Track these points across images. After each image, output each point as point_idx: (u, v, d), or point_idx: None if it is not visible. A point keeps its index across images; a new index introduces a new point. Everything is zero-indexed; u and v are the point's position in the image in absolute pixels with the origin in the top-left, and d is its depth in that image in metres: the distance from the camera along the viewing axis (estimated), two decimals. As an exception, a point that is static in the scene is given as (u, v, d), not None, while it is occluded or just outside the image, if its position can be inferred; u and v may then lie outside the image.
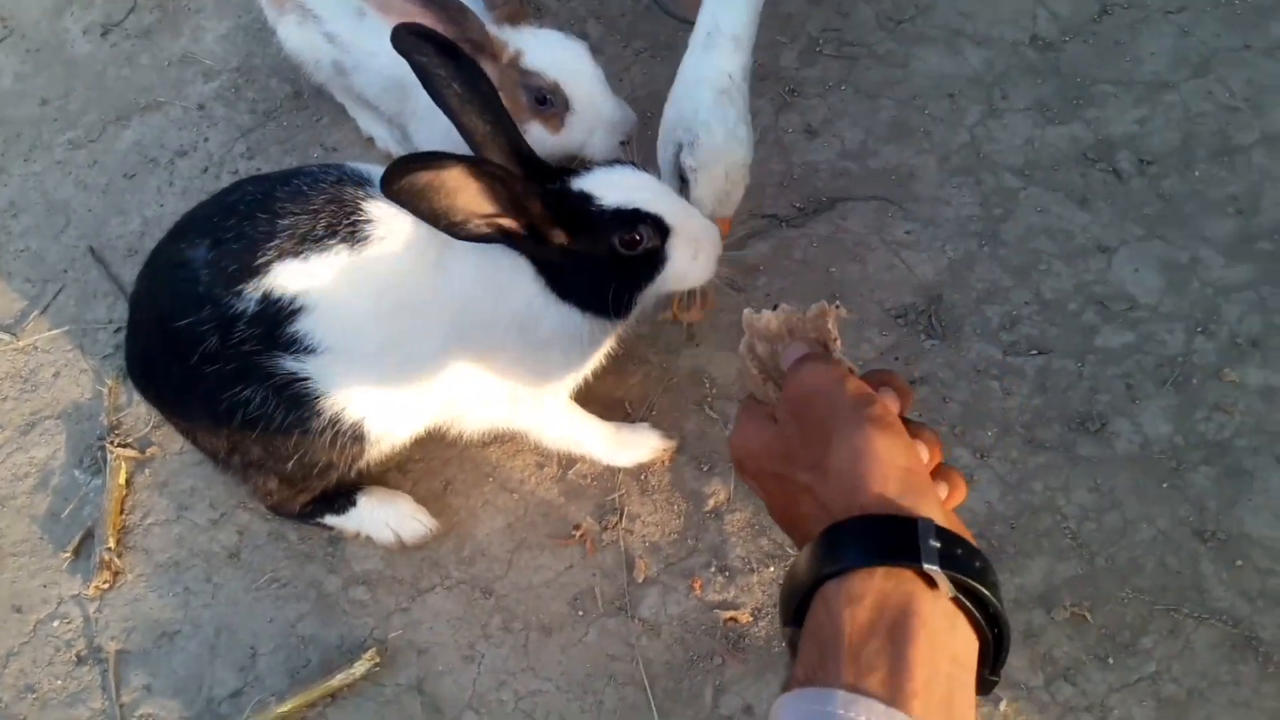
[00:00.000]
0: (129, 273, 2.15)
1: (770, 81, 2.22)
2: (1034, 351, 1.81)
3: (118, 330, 2.07)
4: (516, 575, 1.73)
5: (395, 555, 1.76)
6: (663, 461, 1.79)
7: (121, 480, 1.86)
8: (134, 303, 1.65)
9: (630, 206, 1.41)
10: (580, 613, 1.69)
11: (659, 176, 1.57)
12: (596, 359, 1.63)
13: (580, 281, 1.46)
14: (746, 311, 1.13)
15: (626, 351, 1.82)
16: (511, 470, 1.83)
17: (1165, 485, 1.67)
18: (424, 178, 1.27)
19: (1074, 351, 1.80)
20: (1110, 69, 2.13)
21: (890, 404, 0.98)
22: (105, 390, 1.98)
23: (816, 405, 0.96)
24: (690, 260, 1.46)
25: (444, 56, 1.39)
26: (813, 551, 0.86)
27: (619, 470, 1.80)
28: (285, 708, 1.62)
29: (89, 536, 1.84)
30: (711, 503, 1.76)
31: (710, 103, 1.56)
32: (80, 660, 1.74)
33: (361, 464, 1.65)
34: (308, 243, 1.41)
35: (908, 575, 0.81)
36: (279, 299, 1.42)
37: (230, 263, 1.42)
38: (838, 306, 1.11)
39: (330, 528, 1.77)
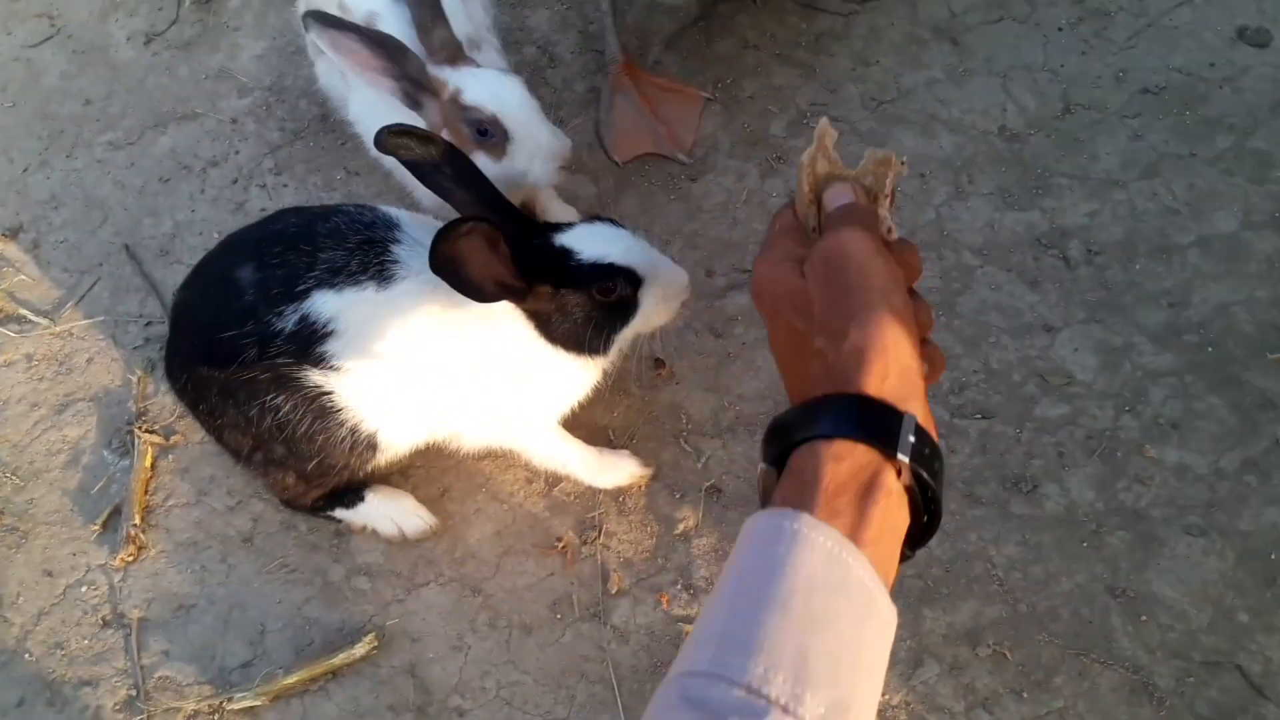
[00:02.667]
0: (160, 271, 2.31)
1: (759, 148, 2.39)
2: (978, 415, 2.02)
3: (148, 324, 2.23)
4: (503, 578, 1.90)
5: (395, 550, 1.93)
6: (639, 486, 1.97)
7: (147, 463, 2.02)
8: (178, 309, 1.82)
9: (606, 261, 1.57)
10: (558, 616, 1.87)
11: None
12: (583, 392, 1.81)
13: (565, 327, 1.61)
14: (824, 120, 1.13)
15: (613, 384, 1.98)
16: (503, 483, 2.01)
17: (1085, 545, 1.87)
18: (458, 245, 1.39)
19: (1014, 419, 2.00)
20: (1068, 163, 2.32)
21: (908, 281, 1.05)
22: (134, 379, 2.14)
23: (849, 274, 1.00)
24: (658, 304, 1.64)
25: (426, 145, 1.52)
26: (808, 412, 0.95)
27: (600, 491, 1.97)
28: (291, 680, 1.78)
29: (116, 512, 1.99)
30: (681, 527, 1.94)
31: None
32: (105, 624, 1.89)
33: (371, 467, 1.83)
34: (342, 276, 1.60)
35: (881, 456, 0.91)
36: (314, 322, 1.61)
37: (275, 285, 1.61)
38: (903, 162, 1.12)
39: (338, 520, 1.93)
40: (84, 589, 1.94)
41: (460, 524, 1.96)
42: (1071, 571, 1.85)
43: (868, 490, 0.89)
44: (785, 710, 0.75)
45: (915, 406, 0.95)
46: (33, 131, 2.56)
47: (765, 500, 0.97)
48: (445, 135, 1.79)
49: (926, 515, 0.96)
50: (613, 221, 1.65)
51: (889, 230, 1.09)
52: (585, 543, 1.93)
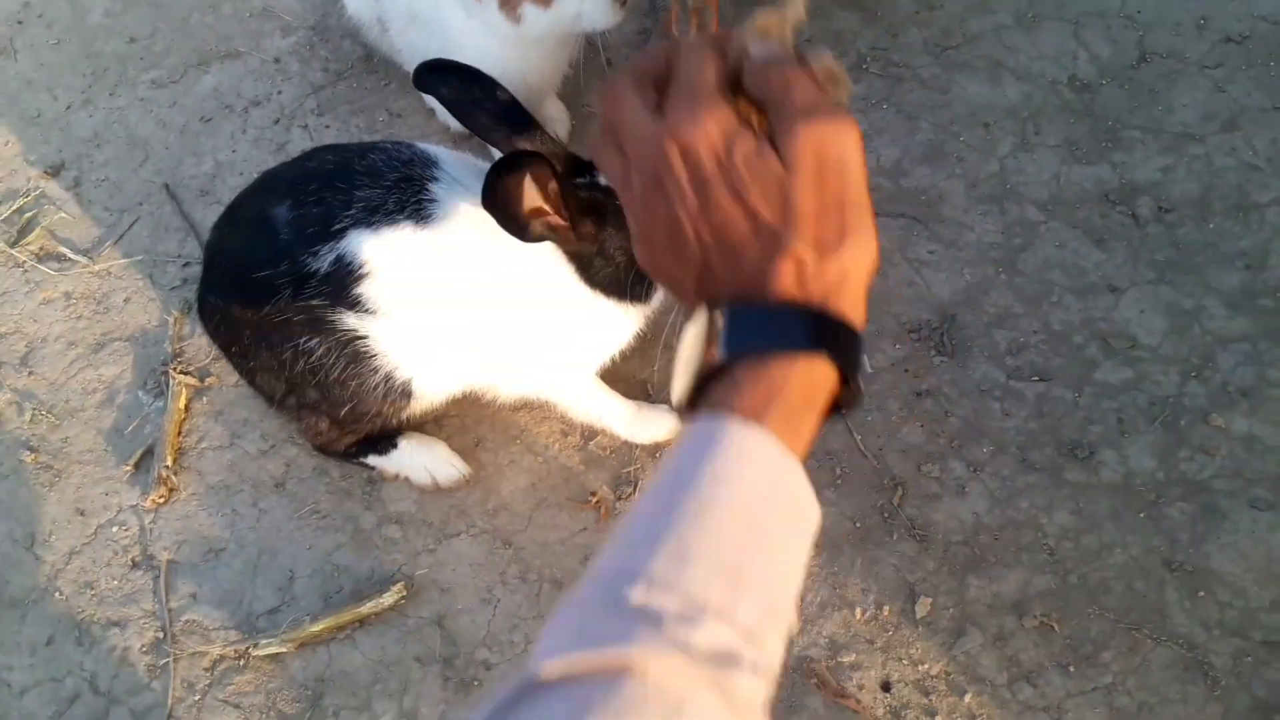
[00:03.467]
0: (199, 212, 2.28)
1: (817, 92, 2.33)
2: (1036, 378, 1.93)
3: (186, 265, 2.21)
4: (535, 531, 1.86)
5: (426, 500, 1.90)
6: (678, 442, 1.93)
7: (181, 405, 2.00)
8: (212, 248, 1.79)
9: None
10: (590, 572, 1.83)
11: None
12: (624, 342, 1.75)
13: (607, 271, 1.55)
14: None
15: (653, 336, 1.94)
16: (538, 435, 1.97)
17: (1142, 515, 1.79)
18: (510, 183, 1.32)
19: (1073, 382, 1.92)
20: (1141, 115, 2.22)
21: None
22: (171, 320, 2.13)
23: (849, 186, 0.86)
24: None
25: (466, 82, 1.46)
26: (790, 319, 0.85)
27: (636, 446, 1.92)
28: (318, 627, 1.77)
29: (149, 454, 1.98)
30: (720, 485, 1.89)
31: None
32: (135, 565, 1.89)
33: (405, 415, 1.80)
34: (379, 215, 1.54)
35: (838, 375, 0.85)
36: (350, 262, 1.55)
37: (310, 224, 1.56)
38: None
39: (371, 468, 1.90)
40: (115, 529, 1.94)
41: (494, 475, 1.93)
42: (1126, 543, 1.77)
43: (817, 406, 0.86)
44: (720, 615, 0.73)
45: (859, 314, 0.88)
46: (77, 69, 2.54)
47: (702, 377, 0.87)
48: None
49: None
50: None
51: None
52: (620, 498, 1.88)
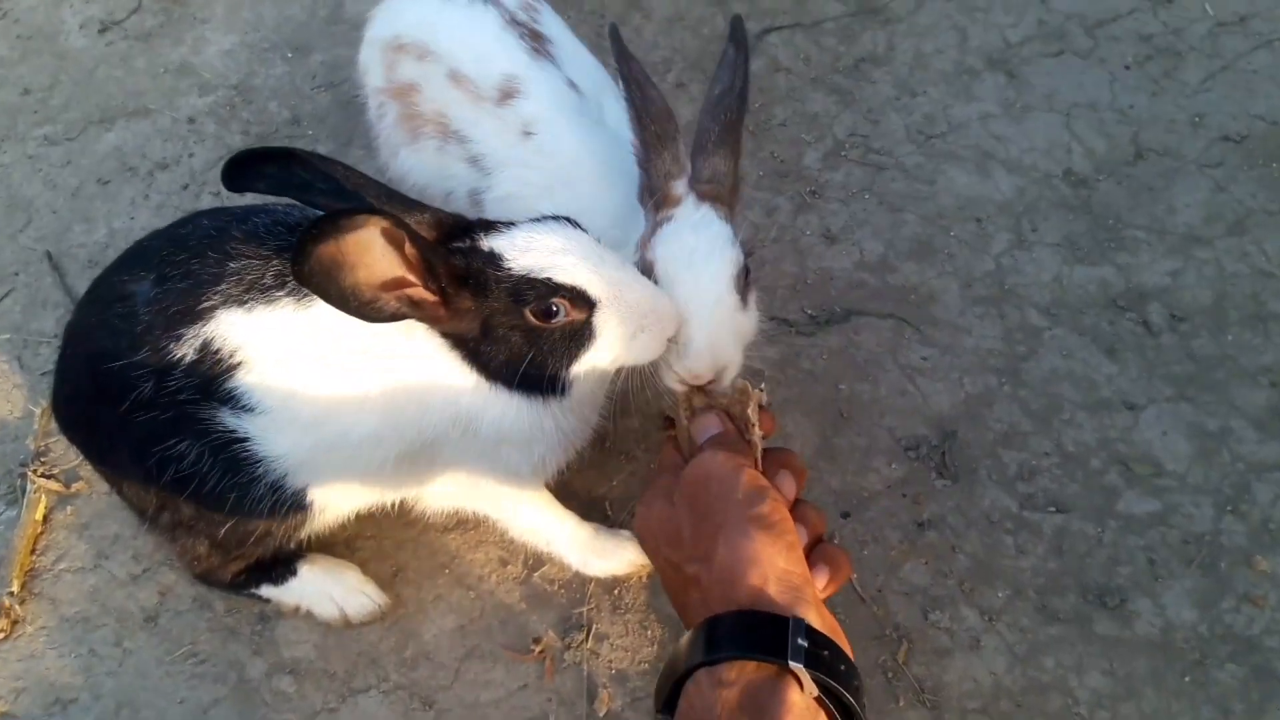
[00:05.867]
0: (84, 285, 1.95)
1: (791, 180, 2.14)
2: (1052, 508, 1.69)
3: (55, 364, 1.89)
4: (463, 688, 1.54)
5: (331, 643, 1.58)
6: (640, 577, 1.63)
7: (39, 515, 1.69)
8: (68, 334, 1.48)
9: (540, 275, 1.21)
10: (530, 742, 1.51)
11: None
12: (564, 453, 1.44)
13: (498, 357, 1.27)
14: (757, 391, 1.20)
15: (612, 446, 1.67)
16: (471, 564, 1.66)
17: (1187, 679, 1.54)
18: (333, 249, 1.07)
19: (1094, 514, 1.68)
20: (1143, 214, 2.06)
21: (787, 488, 1.08)
22: (38, 412, 1.81)
23: (710, 494, 1.03)
24: (628, 338, 1.25)
25: (287, 167, 1.23)
26: (691, 640, 0.95)
27: (591, 580, 1.64)
28: (180, 813, 1.43)
29: (-9, 577, 1.64)
30: (688, 629, 1.59)
31: None
32: (-44, 722, 1.53)
33: (303, 534, 1.50)
34: (254, 291, 1.27)
35: (776, 670, 0.89)
36: (218, 350, 1.27)
37: (173, 303, 1.28)
38: (761, 389, 1.19)
39: (266, 600, 1.59)
40: (-64, 673, 1.58)
41: (415, 614, 1.62)
42: (1173, 713, 1.51)
43: (765, 710, 0.87)
44: None
45: (806, 611, 0.93)
46: (-43, 120, 2.25)
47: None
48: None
49: None
50: (569, 221, 1.28)
51: (756, 456, 1.14)
52: (569, 647, 1.58)
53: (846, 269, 2.00)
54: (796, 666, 0.88)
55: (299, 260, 1.05)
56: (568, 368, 1.27)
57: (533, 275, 1.20)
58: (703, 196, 1.36)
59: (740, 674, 0.89)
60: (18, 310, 1.97)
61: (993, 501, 1.69)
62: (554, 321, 1.22)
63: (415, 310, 1.18)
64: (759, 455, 1.14)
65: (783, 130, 2.21)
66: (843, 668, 0.92)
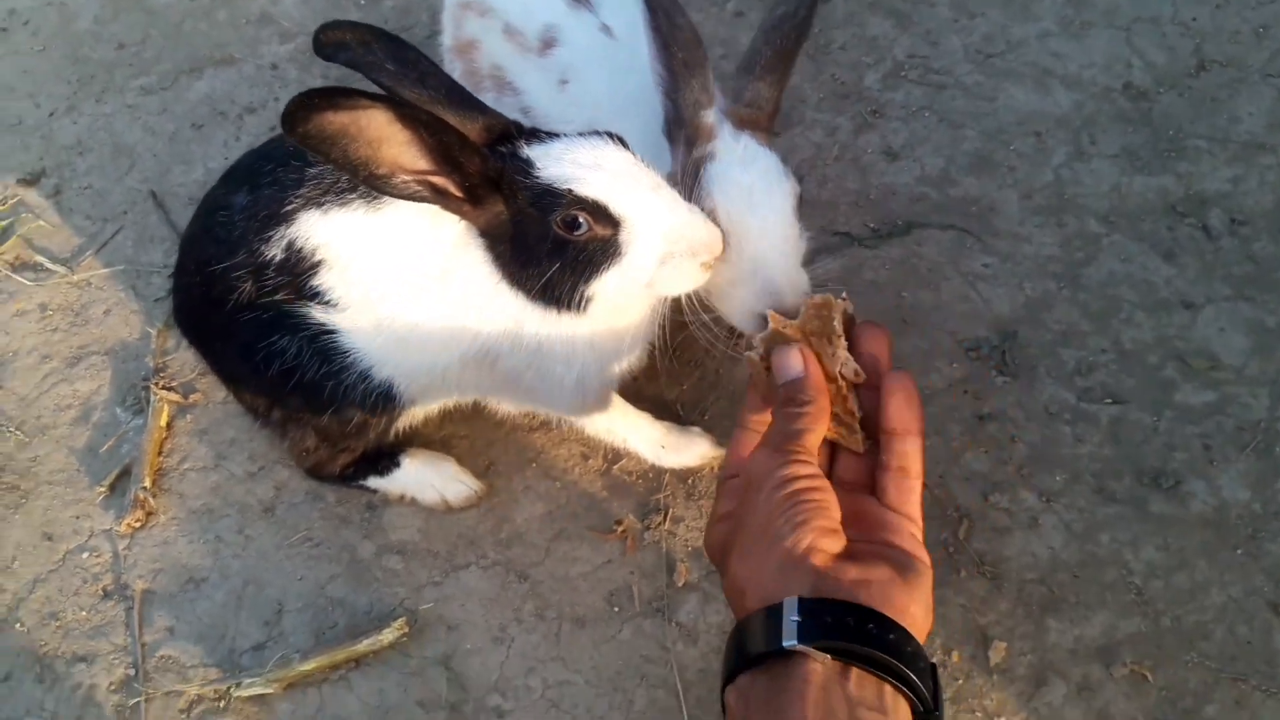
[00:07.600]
0: (187, 220, 2.11)
1: (851, 100, 2.19)
2: (1109, 400, 1.75)
3: (171, 276, 2.04)
4: (553, 564, 1.67)
5: (432, 528, 1.71)
6: (712, 468, 1.73)
7: (163, 422, 1.82)
8: (182, 245, 1.62)
9: (563, 185, 1.21)
10: (616, 609, 1.63)
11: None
12: (604, 375, 1.47)
13: (519, 262, 1.28)
14: (840, 301, 1.11)
15: (680, 354, 1.76)
16: (555, 458, 1.78)
17: (1240, 551, 1.60)
18: (338, 120, 1.09)
19: (1151, 405, 1.74)
20: (1204, 124, 2.08)
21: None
22: (154, 333, 1.95)
23: (745, 506, 1.02)
24: (657, 263, 1.24)
25: (366, 43, 1.24)
26: (723, 658, 0.96)
27: (666, 471, 1.74)
28: (308, 666, 1.57)
29: (125, 474, 1.80)
30: (759, 516, 1.69)
31: None
32: (106, 595, 1.69)
33: (398, 425, 1.61)
34: (330, 194, 1.35)
35: (785, 657, 0.88)
36: (301, 249, 1.37)
37: (263, 207, 1.38)
38: (844, 298, 1.11)
39: (374, 490, 1.72)
40: (85, 555, 1.74)
41: (507, 502, 1.74)
42: (1224, 582, 1.58)
43: (782, 691, 0.87)
44: None
45: (800, 581, 0.91)
46: (62, 75, 2.40)
47: None
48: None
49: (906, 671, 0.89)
50: (615, 138, 1.27)
51: (855, 372, 1.09)
52: (648, 528, 1.69)
53: (908, 184, 2.06)
54: (790, 644, 0.87)
55: (289, 122, 1.07)
56: (588, 283, 1.26)
57: (555, 185, 1.21)
58: (740, 124, 1.34)
59: (754, 678, 0.90)
60: (129, 245, 2.11)
61: (1051, 395, 1.76)
62: (578, 234, 1.22)
63: (439, 199, 1.22)
64: (844, 377, 1.08)
65: (842, 54, 2.27)
66: (850, 622, 0.88)
